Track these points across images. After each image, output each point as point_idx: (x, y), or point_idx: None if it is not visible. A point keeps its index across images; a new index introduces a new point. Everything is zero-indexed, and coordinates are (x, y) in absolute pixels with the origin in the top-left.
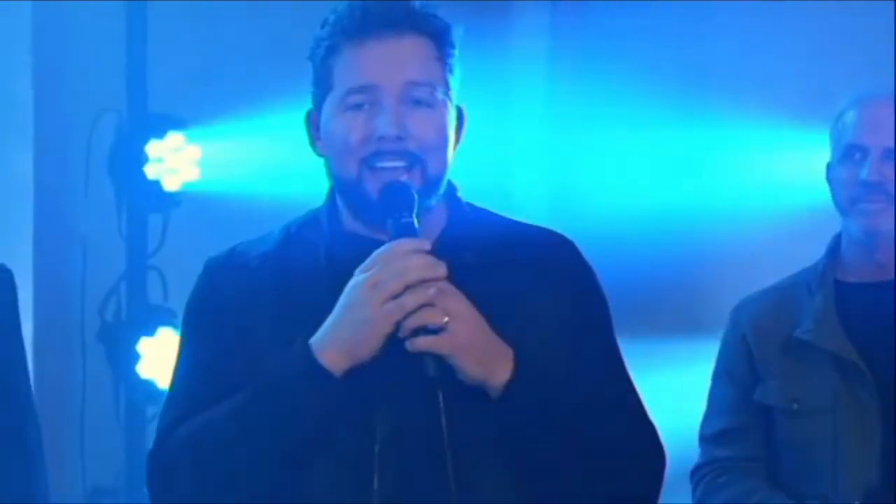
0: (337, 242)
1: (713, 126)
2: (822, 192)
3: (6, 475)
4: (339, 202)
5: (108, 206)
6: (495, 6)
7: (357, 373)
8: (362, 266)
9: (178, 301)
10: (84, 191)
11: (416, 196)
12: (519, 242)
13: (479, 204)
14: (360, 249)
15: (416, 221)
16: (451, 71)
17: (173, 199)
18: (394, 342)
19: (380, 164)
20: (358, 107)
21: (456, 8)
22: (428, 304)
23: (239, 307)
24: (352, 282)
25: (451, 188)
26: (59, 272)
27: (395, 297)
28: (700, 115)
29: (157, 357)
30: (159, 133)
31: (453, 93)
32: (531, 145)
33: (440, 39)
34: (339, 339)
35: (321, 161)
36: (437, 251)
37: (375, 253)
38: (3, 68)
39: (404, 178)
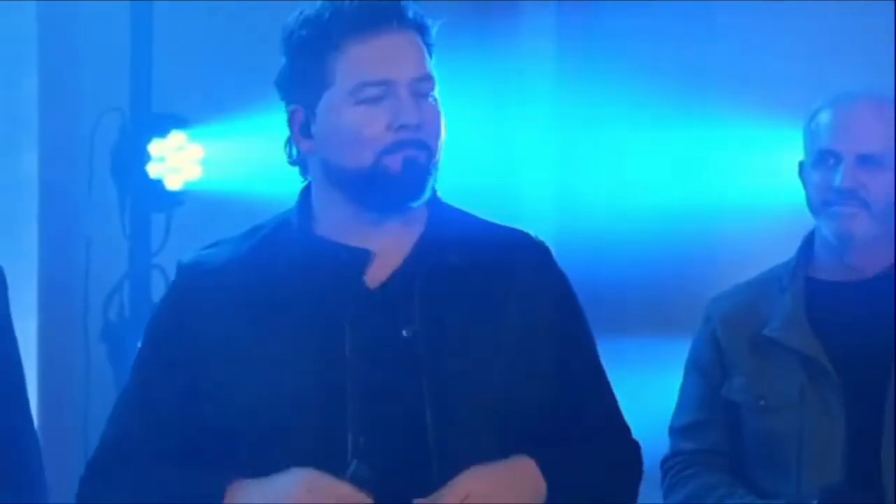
0: (308, 247)
1: (718, 126)
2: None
3: (3, 474)
4: (330, 197)
5: (112, 206)
6: (502, 6)
7: None
8: (300, 479)
9: None
10: (88, 190)
11: (431, 177)
12: (497, 245)
13: (484, 202)
14: (332, 254)
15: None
16: (433, 66)
17: (176, 198)
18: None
19: (400, 154)
20: (375, 100)
21: (462, 8)
22: None
23: (211, 314)
24: (293, 476)
25: (434, 192)
26: (63, 271)
27: None
28: (704, 115)
29: None
30: (162, 132)
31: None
32: (536, 144)
33: (427, 36)
34: None
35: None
36: (419, 251)
37: (315, 480)
38: (8, 68)
39: (418, 156)
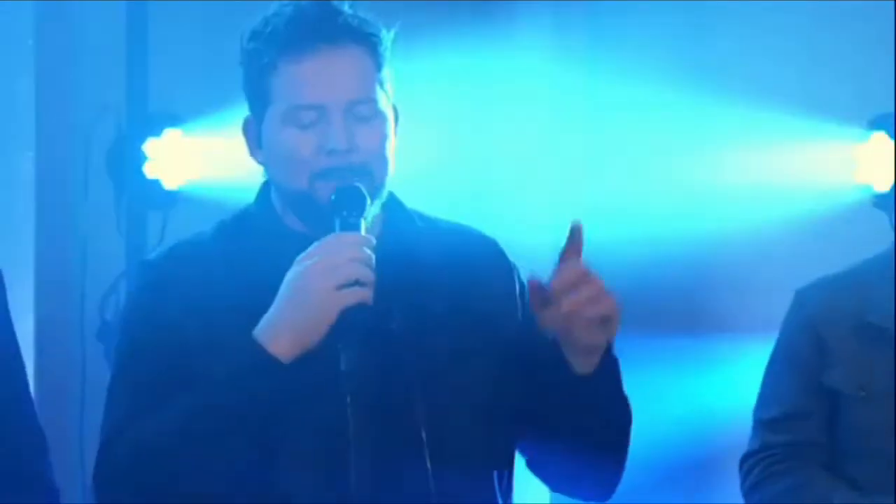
0: (275, 237)
1: (718, 125)
2: (826, 195)
3: (11, 475)
4: (284, 207)
5: (108, 205)
6: (498, 7)
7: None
8: (302, 256)
9: None
10: (84, 189)
11: (367, 199)
12: (454, 240)
13: (481, 203)
14: (298, 244)
15: (363, 223)
16: (384, 77)
17: (173, 197)
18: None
19: (331, 181)
20: (305, 124)
21: (458, 9)
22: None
23: (183, 304)
24: (294, 271)
25: (390, 195)
26: (60, 271)
27: (346, 285)
28: (704, 115)
29: None
30: (157, 131)
31: (390, 94)
32: (533, 145)
33: (374, 48)
34: (286, 327)
35: None
36: (383, 248)
37: (317, 243)
38: (4, 68)
39: (352, 181)
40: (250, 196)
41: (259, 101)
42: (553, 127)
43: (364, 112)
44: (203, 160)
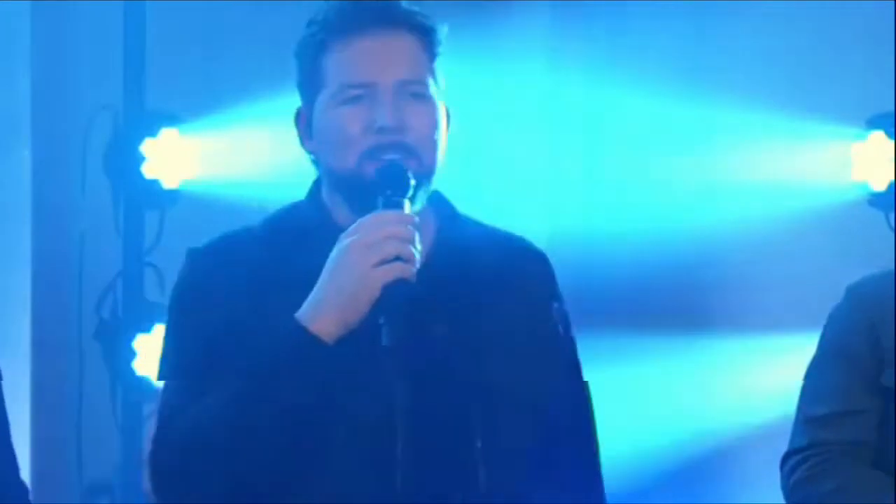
0: (324, 232)
1: (714, 124)
2: (822, 192)
3: None
4: (333, 198)
5: (105, 204)
6: (495, 6)
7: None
8: (346, 232)
9: None
10: (81, 188)
11: (411, 180)
12: (505, 250)
13: (477, 204)
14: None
15: (407, 204)
16: (436, 69)
17: (170, 197)
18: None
19: (378, 157)
20: (356, 100)
21: (455, 8)
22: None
23: (231, 290)
24: (335, 249)
25: (441, 198)
26: (57, 269)
27: (387, 261)
28: (700, 114)
29: (154, 354)
30: (154, 130)
31: (441, 87)
32: (530, 145)
33: (428, 38)
34: (329, 306)
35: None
36: (435, 252)
37: (360, 220)
38: (2, 67)
39: (398, 160)
40: (248, 195)
41: (311, 85)
42: (549, 129)
43: (415, 92)
44: (200, 160)
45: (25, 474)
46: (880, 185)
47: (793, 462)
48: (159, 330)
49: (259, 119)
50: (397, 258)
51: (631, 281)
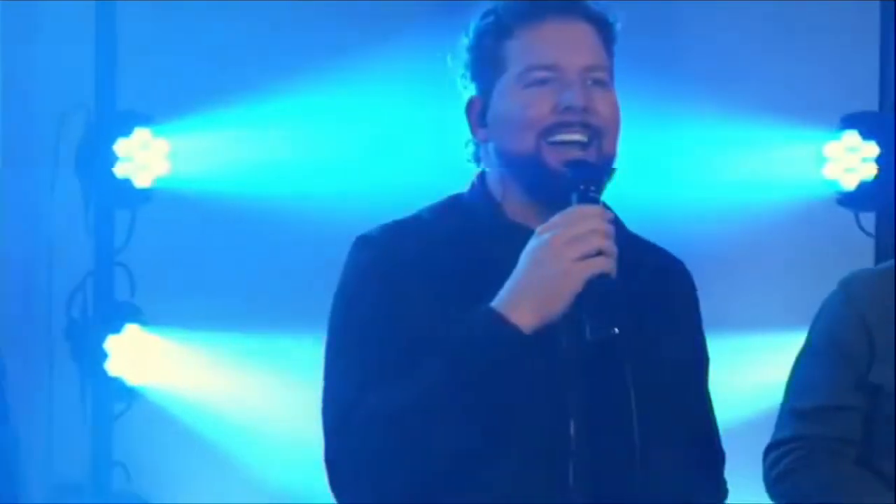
0: (496, 225)
1: (688, 123)
2: (794, 191)
3: None
4: (505, 188)
5: (76, 203)
6: (462, 6)
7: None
8: (544, 226)
9: (145, 297)
10: (51, 187)
11: (602, 178)
12: (660, 259)
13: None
14: (518, 235)
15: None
16: (612, 63)
17: (141, 196)
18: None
19: (559, 137)
20: (541, 82)
21: (424, 7)
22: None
23: (407, 278)
24: (535, 241)
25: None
26: (27, 269)
27: (589, 255)
28: (673, 113)
29: (124, 354)
30: (127, 130)
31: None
32: None
33: (606, 30)
34: (528, 297)
35: (290, 156)
36: None
37: (560, 214)
38: None
39: (581, 154)
40: (219, 192)
41: (490, 70)
42: None
43: (598, 78)
44: (172, 159)
45: None
46: (851, 184)
47: (776, 454)
48: (130, 330)
49: (231, 119)
50: (599, 253)
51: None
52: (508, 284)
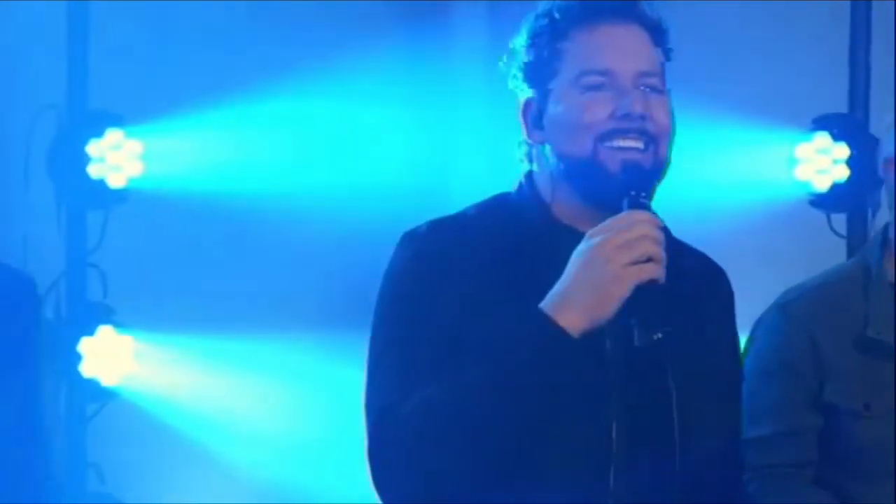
0: (544, 226)
1: None
2: (765, 192)
3: (21, 478)
4: (556, 190)
5: (48, 204)
6: (432, 7)
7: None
8: (594, 230)
9: (118, 298)
10: (24, 188)
11: (654, 184)
12: (703, 265)
13: (417, 204)
14: (567, 236)
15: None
16: (664, 68)
17: (113, 197)
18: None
19: (617, 143)
20: (596, 87)
21: (396, 8)
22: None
23: (454, 276)
24: (585, 245)
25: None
26: None
27: (639, 261)
28: None
29: (98, 355)
30: (99, 130)
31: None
32: (473, 145)
33: (659, 34)
34: (577, 301)
35: (264, 157)
36: None
37: (610, 218)
38: None
39: (639, 158)
40: (193, 196)
41: (544, 73)
42: (488, 126)
43: (652, 85)
44: (145, 160)
45: None
46: (823, 185)
47: None
48: (104, 331)
49: (204, 119)
50: (649, 259)
51: None
52: (557, 287)
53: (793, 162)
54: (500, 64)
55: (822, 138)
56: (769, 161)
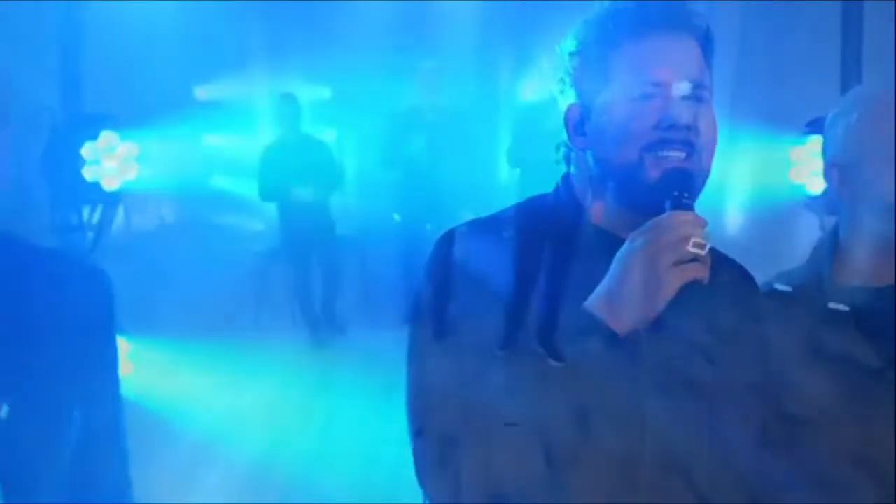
0: (581, 230)
1: None
2: (760, 194)
3: (105, 473)
4: (596, 193)
5: (44, 205)
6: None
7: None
8: (637, 231)
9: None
10: (19, 189)
11: (697, 187)
12: (738, 278)
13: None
14: (604, 240)
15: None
16: (711, 76)
17: (108, 199)
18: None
19: (663, 153)
20: (646, 97)
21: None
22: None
23: (487, 274)
24: (629, 246)
25: None
26: None
27: (684, 262)
28: None
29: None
30: (94, 133)
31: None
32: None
33: (708, 44)
34: (623, 301)
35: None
36: None
37: (653, 220)
38: None
39: (682, 164)
40: (187, 194)
41: (593, 81)
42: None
43: (700, 96)
44: (139, 162)
45: None
46: (817, 188)
47: None
48: None
49: (198, 122)
50: (693, 259)
51: None
52: (602, 288)
53: (788, 164)
54: (544, 66)
55: (817, 141)
56: (764, 164)
